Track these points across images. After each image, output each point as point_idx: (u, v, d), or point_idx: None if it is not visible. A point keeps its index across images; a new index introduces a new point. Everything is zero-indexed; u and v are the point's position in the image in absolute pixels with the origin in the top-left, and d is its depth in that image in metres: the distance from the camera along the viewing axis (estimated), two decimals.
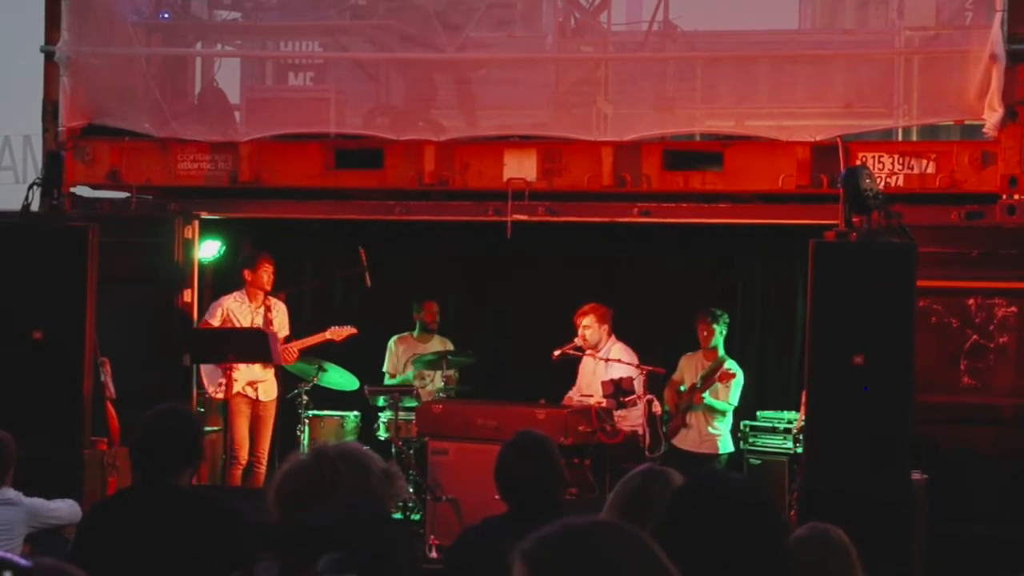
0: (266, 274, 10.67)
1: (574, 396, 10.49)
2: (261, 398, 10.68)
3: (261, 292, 10.67)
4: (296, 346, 10.65)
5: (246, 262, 10.80)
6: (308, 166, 10.48)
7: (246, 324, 10.57)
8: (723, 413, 10.59)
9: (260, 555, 3.14)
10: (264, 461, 10.67)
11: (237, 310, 10.62)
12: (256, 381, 10.63)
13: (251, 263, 10.72)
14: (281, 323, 10.75)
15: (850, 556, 3.78)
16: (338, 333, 10.73)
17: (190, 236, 10.80)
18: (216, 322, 10.55)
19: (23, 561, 2.30)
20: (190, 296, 10.81)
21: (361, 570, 2.89)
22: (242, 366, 10.48)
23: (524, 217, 10.13)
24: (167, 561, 4.76)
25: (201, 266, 11.03)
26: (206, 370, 10.65)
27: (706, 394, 10.51)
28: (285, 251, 11.27)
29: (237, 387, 10.50)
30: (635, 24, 11.18)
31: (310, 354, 10.81)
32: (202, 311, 10.88)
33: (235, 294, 10.72)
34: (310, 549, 3.08)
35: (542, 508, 4.76)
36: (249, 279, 10.68)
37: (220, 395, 10.48)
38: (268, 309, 10.69)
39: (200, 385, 10.85)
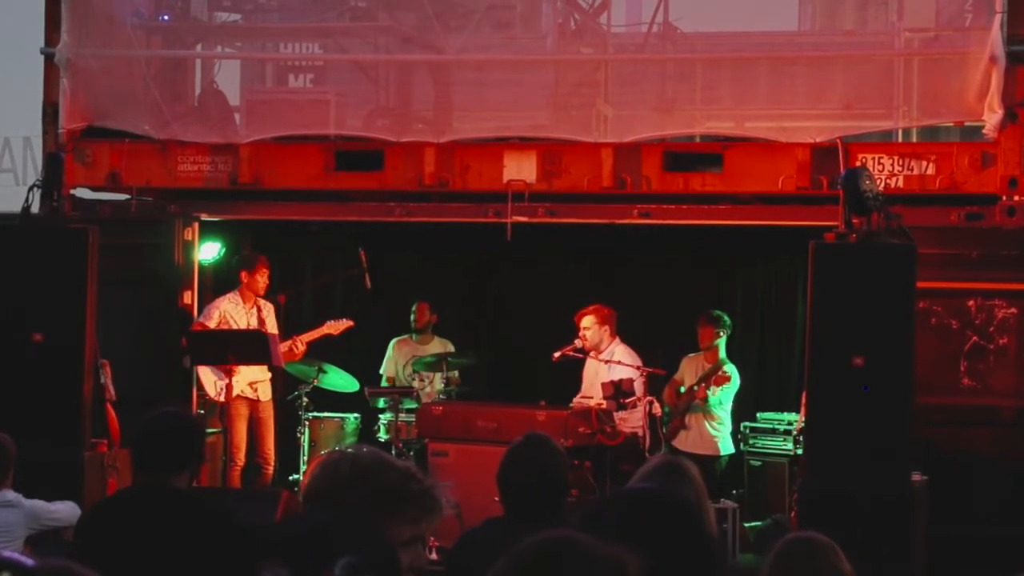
0: (262, 278, 10.64)
1: (576, 398, 10.48)
2: (261, 398, 10.67)
3: (253, 295, 10.64)
4: (304, 339, 10.62)
5: (244, 263, 10.74)
6: (308, 168, 10.48)
7: (243, 326, 10.55)
8: (718, 414, 10.58)
9: (263, 564, 3.11)
10: (271, 461, 10.65)
11: (233, 311, 10.59)
12: (256, 381, 10.60)
13: (249, 265, 10.67)
14: (271, 323, 10.71)
15: (839, 555, 3.80)
16: (335, 327, 10.70)
17: (190, 238, 10.79)
18: (212, 324, 10.51)
19: (27, 560, 2.29)
20: (190, 298, 10.80)
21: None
22: (243, 367, 10.47)
23: (524, 219, 10.13)
24: (164, 562, 4.76)
25: (201, 268, 11.02)
26: (204, 372, 10.63)
27: (709, 391, 10.51)
28: (285, 253, 11.26)
29: (237, 389, 10.49)
30: (635, 26, 11.19)
31: (310, 356, 10.80)
32: (202, 313, 10.87)
33: (230, 295, 10.68)
34: (313, 555, 3.06)
35: (543, 511, 4.75)
36: (245, 281, 10.63)
37: (221, 398, 10.44)
38: (259, 309, 10.67)
39: (201, 387, 10.84)
